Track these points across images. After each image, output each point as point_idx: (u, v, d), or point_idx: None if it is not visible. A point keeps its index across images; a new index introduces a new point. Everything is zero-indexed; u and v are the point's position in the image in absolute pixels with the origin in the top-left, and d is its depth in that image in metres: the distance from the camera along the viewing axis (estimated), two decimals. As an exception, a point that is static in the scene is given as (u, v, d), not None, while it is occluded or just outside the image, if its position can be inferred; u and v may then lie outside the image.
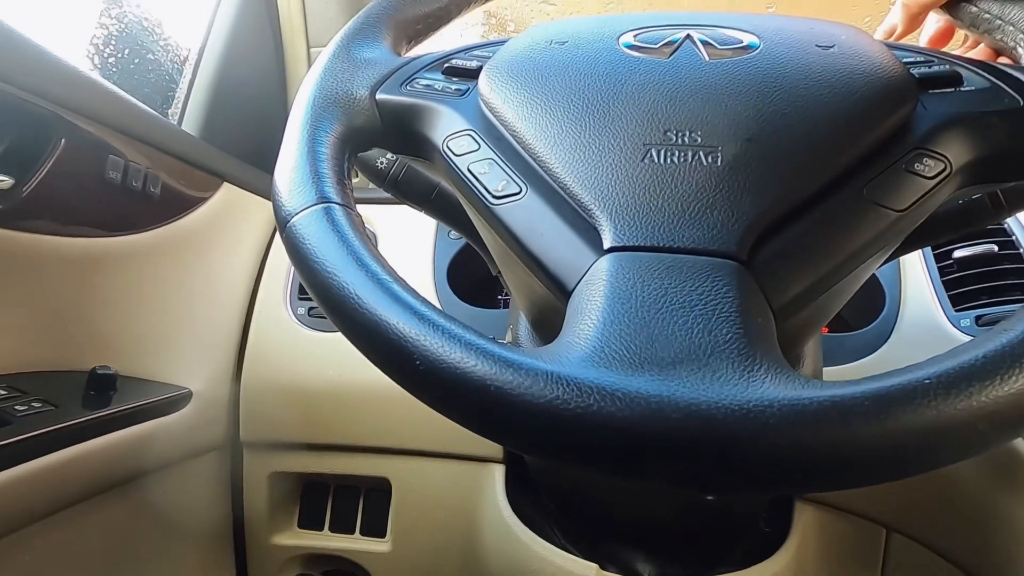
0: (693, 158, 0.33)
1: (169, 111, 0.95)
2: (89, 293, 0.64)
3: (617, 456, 0.24)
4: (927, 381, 0.23)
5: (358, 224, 0.33)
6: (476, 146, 0.37)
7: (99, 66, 0.84)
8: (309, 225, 0.32)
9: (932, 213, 0.35)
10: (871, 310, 0.73)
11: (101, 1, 0.86)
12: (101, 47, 0.84)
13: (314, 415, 0.81)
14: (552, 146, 0.35)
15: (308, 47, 1.04)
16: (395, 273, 0.31)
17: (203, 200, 0.81)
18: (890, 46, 0.39)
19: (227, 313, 0.83)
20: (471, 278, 0.89)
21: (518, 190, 0.35)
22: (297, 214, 0.33)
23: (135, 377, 0.69)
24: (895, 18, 0.46)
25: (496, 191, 0.35)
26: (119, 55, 0.87)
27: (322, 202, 0.33)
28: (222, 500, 0.86)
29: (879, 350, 0.69)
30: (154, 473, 0.71)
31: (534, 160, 0.35)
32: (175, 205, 0.76)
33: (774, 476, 0.24)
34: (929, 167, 0.33)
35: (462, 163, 0.36)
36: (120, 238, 0.68)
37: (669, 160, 0.33)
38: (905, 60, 0.37)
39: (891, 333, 0.70)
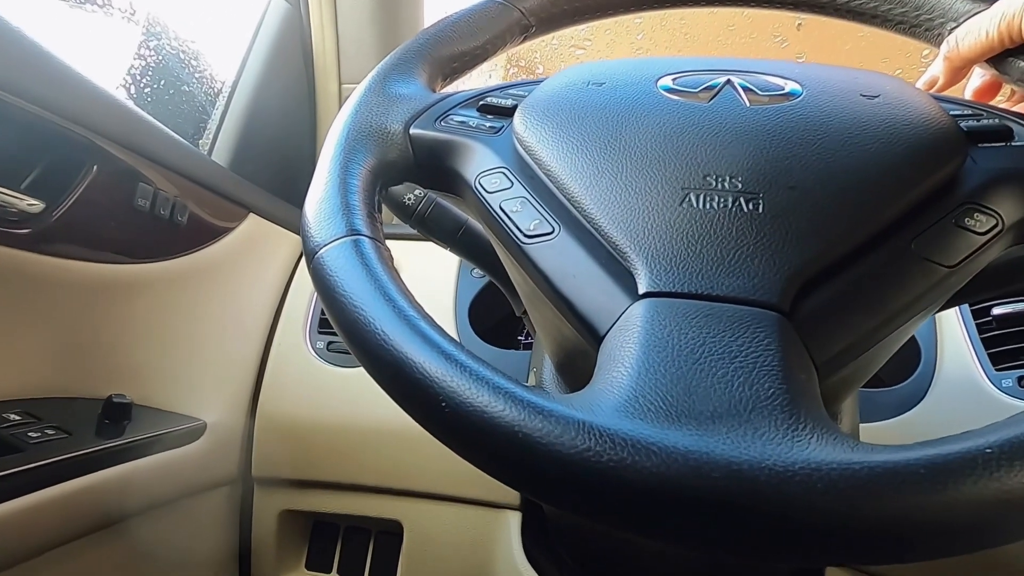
0: (733, 204, 0.32)
1: (200, 141, 0.97)
2: (110, 319, 0.65)
3: (650, 515, 0.23)
4: (988, 451, 0.22)
5: (387, 258, 0.33)
6: (509, 184, 0.37)
7: (134, 95, 0.86)
8: (338, 257, 0.32)
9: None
10: (905, 366, 0.72)
11: (140, 34, 0.89)
12: (138, 77, 0.86)
13: (328, 453, 0.80)
14: (587, 186, 0.34)
15: (340, 84, 1.06)
16: (423, 310, 0.30)
17: (229, 230, 0.82)
18: (936, 98, 0.39)
19: (246, 345, 0.83)
20: (492, 318, 0.88)
21: (551, 230, 0.34)
22: (326, 245, 0.33)
23: (150, 407, 0.69)
24: (936, 70, 0.45)
25: (528, 230, 0.35)
26: (155, 86, 0.89)
27: (352, 234, 0.33)
28: (230, 537, 0.84)
29: (915, 408, 0.67)
30: (165, 506, 0.70)
31: (568, 200, 0.35)
32: (201, 234, 0.77)
33: (819, 548, 0.22)
34: (980, 223, 0.32)
35: (494, 200, 0.36)
36: (145, 265, 0.68)
37: (708, 205, 0.32)
38: (952, 112, 0.37)
39: (927, 391, 0.68)
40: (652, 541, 0.25)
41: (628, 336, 0.29)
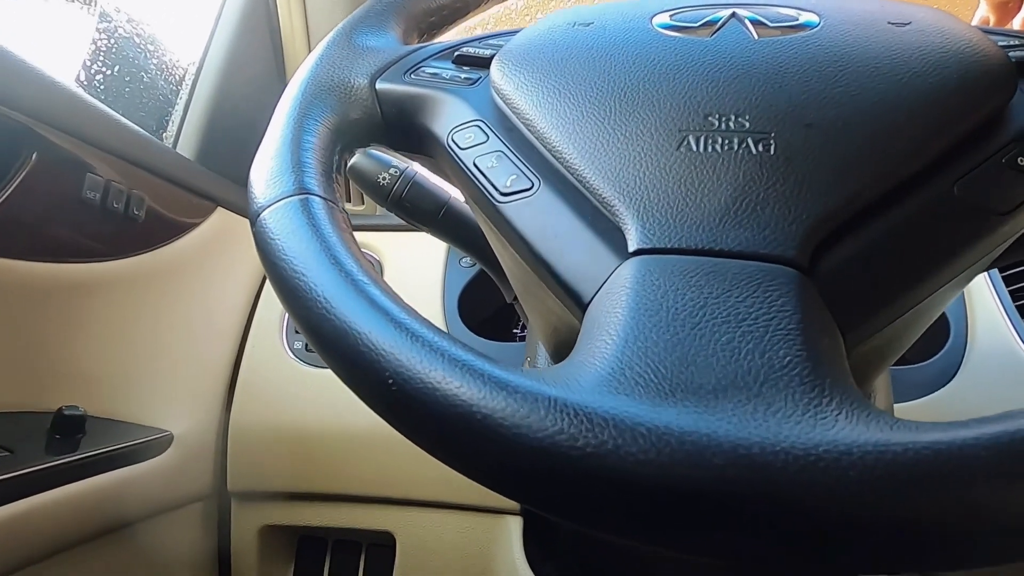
0: (740, 146, 0.28)
1: (164, 134, 0.93)
2: (59, 324, 0.61)
3: (635, 514, 0.19)
4: None
5: (340, 221, 0.30)
6: (484, 138, 0.34)
7: (85, 83, 0.82)
8: (282, 218, 0.29)
9: None
10: (933, 340, 0.68)
11: (92, 19, 0.85)
12: (88, 63, 0.82)
13: (310, 461, 0.76)
14: (570, 134, 0.31)
15: (311, 66, 1.02)
16: (377, 276, 0.27)
17: (194, 225, 0.78)
18: (981, 30, 0.35)
19: (216, 348, 0.79)
20: (485, 309, 0.86)
21: (529, 185, 0.31)
22: (271, 206, 0.30)
23: (108, 419, 0.65)
24: (983, 11, 0.43)
25: (504, 187, 0.31)
26: (108, 72, 0.85)
27: (301, 193, 0.30)
28: (207, 557, 0.80)
29: (948, 384, 0.63)
30: (129, 527, 0.66)
31: (549, 151, 0.31)
32: (162, 230, 0.73)
33: (850, 554, 0.18)
34: None
35: (467, 157, 0.33)
36: (98, 264, 0.64)
37: (711, 148, 0.29)
38: (1000, 44, 0.33)
39: (959, 366, 0.64)
40: (647, 547, 0.21)
41: (615, 300, 0.25)
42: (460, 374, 0.21)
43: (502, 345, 0.79)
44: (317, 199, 0.30)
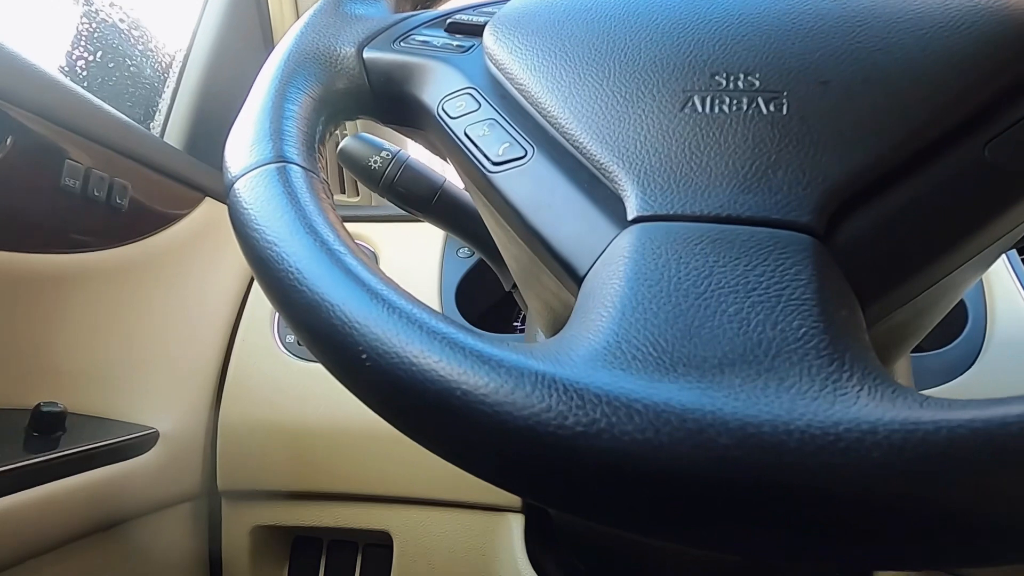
0: (750, 106, 0.27)
1: (151, 123, 0.92)
2: (38, 318, 0.59)
3: (630, 501, 0.17)
4: None
5: (320, 190, 0.29)
6: (476, 105, 0.32)
7: (66, 69, 0.80)
8: (257, 186, 0.28)
9: None
10: (951, 326, 0.66)
11: (76, 6, 0.83)
12: (69, 49, 0.80)
13: (304, 459, 0.74)
14: (566, 97, 0.29)
15: (302, 51, 1.01)
16: (354, 246, 0.25)
17: (181, 216, 0.76)
18: None
19: (204, 342, 0.78)
20: (484, 301, 0.84)
21: (523, 153, 0.29)
22: (246, 174, 0.28)
23: (90, 415, 0.63)
24: None
25: (496, 156, 0.30)
26: (90, 58, 0.83)
27: (279, 161, 0.29)
28: (197, 559, 0.78)
29: (969, 371, 0.61)
30: (115, 528, 0.64)
31: (544, 116, 0.30)
32: (148, 220, 0.71)
33: (874, 545, 0.16)
34: None
35: (458, 126, 0.32)
36: (78, 255, 0.62)
37: (718, 109, 0.27)
38: None
39: (980, 352, 0.62)
40: (645, 538, 0.19)
41: (612, 271, 0.23)
42: (439, 347, 0.20)
43: (500, 337, 0.77)
44: (296, 168, 0.29)
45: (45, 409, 0.55)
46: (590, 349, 0.20)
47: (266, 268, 0.25)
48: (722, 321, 0.20)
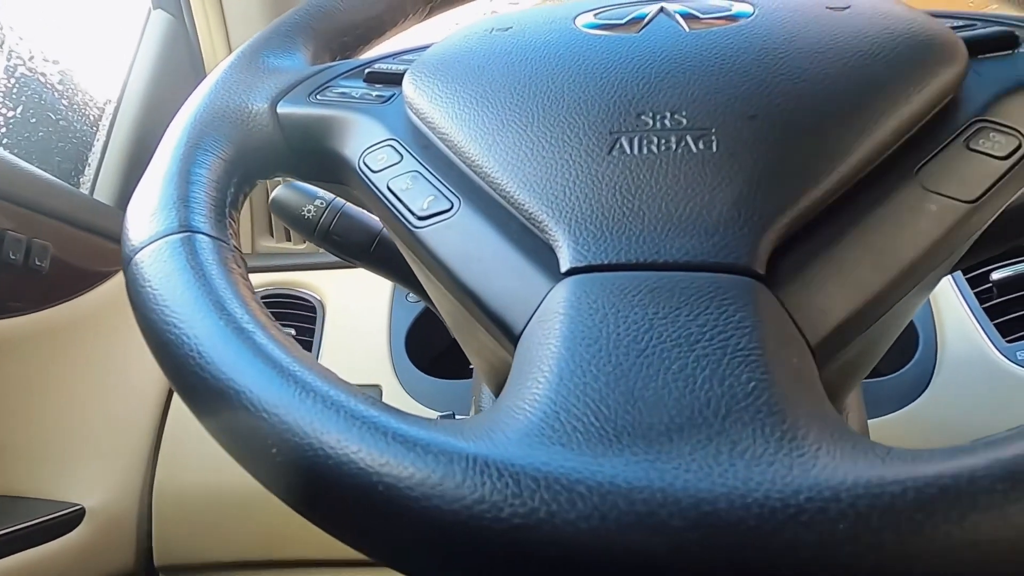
0: (679, 145, 0.26)
1: (81, 178, 0.88)
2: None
3: None
4: None
5: (229, 260, 0.27)
6: (398, 158, 0.31)
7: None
8: (158, 259, 0.26)
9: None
10: (902, 350, 0.66)
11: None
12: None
13: (249, 526, 0.71)
14: (490, 145, 0.28)
15: (238, 99, 0.99)
16: (269, 319, 0.24)
17: (110, 274, 0.73)
18: (927, 12, 0.34)
19: (135, 409, 0.74)
20: (436, 345, 0.83)
21: (449, 206, 0.28)
22: (146, 246, 0.26)
23: (13, 496, 0.59)
24: None
25: (420, 210, 0.28)
26: (8, 114, 0.80)
27: (184, 231, 0.27)
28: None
29: (922, 396, 0.61)
30: (41, 616, 0.60)
31: (468, 165, 0.29)
32: (71, 281, 0.68)
33: None
34: (999, 144, 0.27)
35: (380, 180, 0.30)
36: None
37: (646, 150, 0.26)
38: (948, 26, 0.32)
39: (932, 375, 0.63)
40: None
41: (548, 329, 0.22)
42: (358, 434, 0.18)
43: (454, 383, 0.75)
44: (203, 237, 0.27)
45: (-45, 493, 0.52)
46: (526, 423, 0.18)
47: (166, 352, 0.23)
48: (667, 380, 0.19)
